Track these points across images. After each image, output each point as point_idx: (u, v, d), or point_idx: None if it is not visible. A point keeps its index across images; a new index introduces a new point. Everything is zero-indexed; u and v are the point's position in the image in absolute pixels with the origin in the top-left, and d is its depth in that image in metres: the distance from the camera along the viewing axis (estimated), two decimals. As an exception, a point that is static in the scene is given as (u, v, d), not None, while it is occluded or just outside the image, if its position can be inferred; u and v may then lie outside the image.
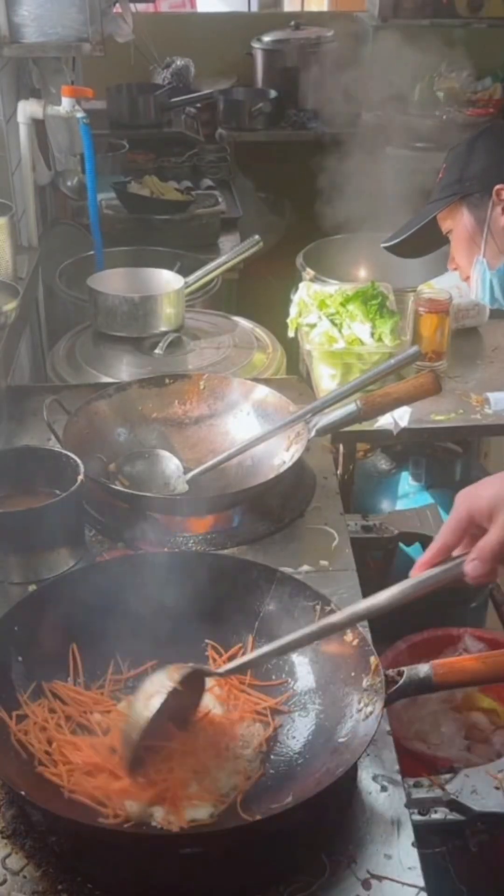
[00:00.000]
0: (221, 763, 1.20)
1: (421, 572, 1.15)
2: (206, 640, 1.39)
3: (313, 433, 1.77)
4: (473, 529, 1.11)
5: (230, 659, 1.35)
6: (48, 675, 1.30)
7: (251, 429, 1.90)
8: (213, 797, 1.16)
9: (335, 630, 1.23)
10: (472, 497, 1.12)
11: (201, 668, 1.25)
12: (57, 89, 2.67)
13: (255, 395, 1.94)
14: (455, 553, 1.14)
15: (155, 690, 1.16)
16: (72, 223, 3.23)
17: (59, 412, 1.83)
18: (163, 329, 2.42)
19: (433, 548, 1.14)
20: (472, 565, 1.09)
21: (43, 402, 1.84)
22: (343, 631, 1.26)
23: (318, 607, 1.35)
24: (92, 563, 1.58)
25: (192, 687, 1.22)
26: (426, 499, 2.50)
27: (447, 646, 2.08)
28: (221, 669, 1.26)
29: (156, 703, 1.14)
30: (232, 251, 2.70)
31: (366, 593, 1.57)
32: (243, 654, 1.35)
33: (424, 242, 2.11)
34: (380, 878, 1.11)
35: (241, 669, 1.27)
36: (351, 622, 1.22)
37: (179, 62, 4.44)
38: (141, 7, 3.95)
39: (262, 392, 1.93)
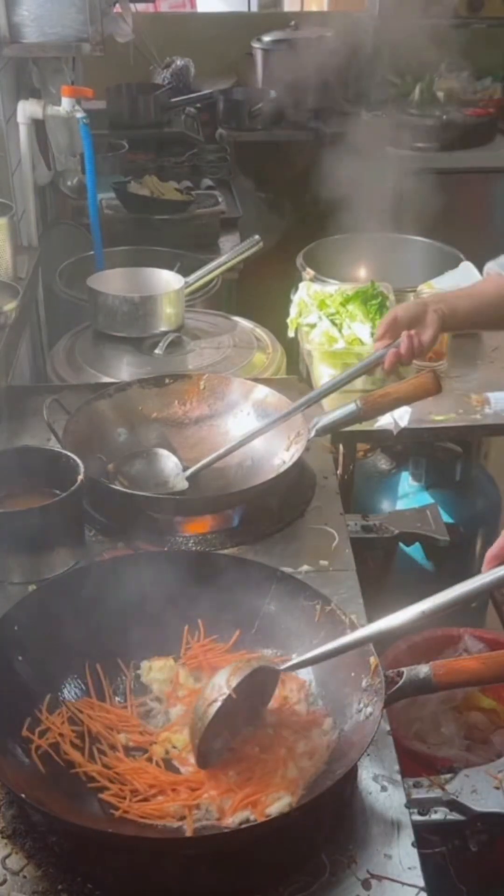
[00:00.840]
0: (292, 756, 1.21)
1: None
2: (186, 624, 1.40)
3: (313, 433, 1.77)
4: None
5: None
6: (53, 678, 1.30)
7: (251, 429, 1.90)
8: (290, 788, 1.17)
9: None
10: None
11: (265, 667, 1.24)
12: (57, 89, 2.67)
13: (255, 395, 1.94)
14: None
15: (213, 697, 1.17)
16: (72, 223, 3.23)
17: (59, 412, 1.83)
18: (163, 329, 2.42)
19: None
20: None
21: (43, 402, 1.84)
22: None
23: (318, 607, 1.35)
24: (92, 563, 1.58)
25: (257, 683, 1.21)
26: (426, 499, 2.50)
27: (447, 646, 2.08)
28: (284, 666, 1.25)
29: (212, 710, 1.15)
30: (232, 251, 2.70)
31: (366, 593, 1.57)
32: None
33: None
34: (380, 878, 1.11)
35: (303, 665, 1.27)
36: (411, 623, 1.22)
37: (179, 62, 4.44)
38: (141, 7, 3.96)
39: (262, 392, 1.93)
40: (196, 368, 2.33)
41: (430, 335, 1.78)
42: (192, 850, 1.10)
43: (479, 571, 1.28)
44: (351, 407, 1.75)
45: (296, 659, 1.26)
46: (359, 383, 2.24)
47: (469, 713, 1.93)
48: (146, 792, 1.17)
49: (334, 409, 1.82)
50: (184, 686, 1.32)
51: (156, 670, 1.34)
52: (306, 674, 1.33)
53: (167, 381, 1.97)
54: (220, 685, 1.17)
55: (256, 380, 2.05)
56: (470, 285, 1.91)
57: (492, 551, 1.33)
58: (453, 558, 2.45)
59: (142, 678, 1.35)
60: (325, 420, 1.78)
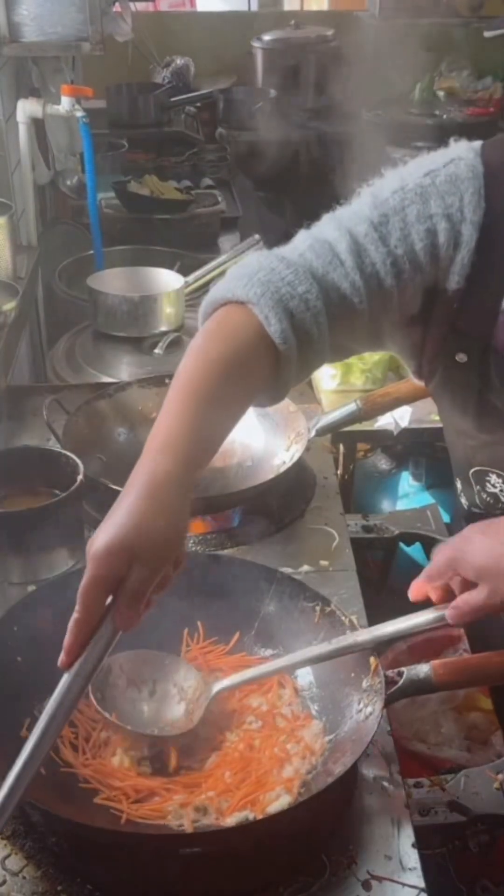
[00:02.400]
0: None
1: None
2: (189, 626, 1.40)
3: (313, 433, 1.77)
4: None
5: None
6: (53, 679, 1.30)
7: (251, 429, 1.89)
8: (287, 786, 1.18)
9: (357, 648, 1.23)
10: (459, 555, 1.12)
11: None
12: (56, 88, 2.67)
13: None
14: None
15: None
16: (71, 223, 3.23)
17: (59, 412, 1.83)
18: (163, 329, 2.41)
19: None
20: (452, 613, 1.14)
21: (43, 402, 1.84)
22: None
23: (317, 608, 1.35)
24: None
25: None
26: (426, 499, 2.50)
27: (447, 646, 2.08)
28: (226, 683, 1.26)
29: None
30: (232, 251, 2.70)
31: (366, 593, 1.57)
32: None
33: None
34: (380, 879, 1.11)
35: (248, 682, 1.28)
36: (373, 642, 1.23)
37: (179, 61, 4.44)
38: (140, 6, 3.96)
39: None
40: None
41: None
42: (192, 850, 1.10)
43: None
44: (351, 407, 1.75)
45: (236, 676, 1.27)
46: (359, 383, 2.25)
47: (469, 713, 1.93)
48: (135, 795, 1.17)
49: (334, 410, 1.82)
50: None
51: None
52: (306, 674, 1.33)
53: (167, 380, 1.96)
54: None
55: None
56: None
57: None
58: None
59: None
60: (325, 420, 1.78)
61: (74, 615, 1.03)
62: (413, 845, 1.15)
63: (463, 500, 1.47)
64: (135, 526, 1.02)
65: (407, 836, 1.16)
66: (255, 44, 4.55)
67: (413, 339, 1.31)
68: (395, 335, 1.31)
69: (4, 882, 1.10)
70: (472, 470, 1.41)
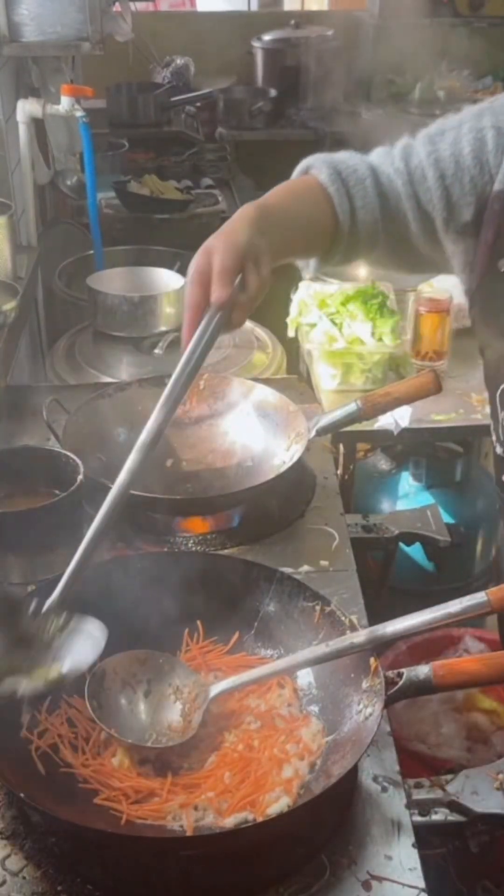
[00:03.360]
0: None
1: None
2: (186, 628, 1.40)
3: (314, 433, 1.77)
4: None
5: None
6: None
7: (251, 429, 1.89)
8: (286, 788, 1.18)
9: (355, 650, 1.23)
10: None
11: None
12: (56, 88, 2.67)
13: (255, 395, 1.93)
14: None
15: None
16: (71, 223, 3.23)
17: (59, 412, 1.83)
18: (163, 329, 2.41)
19: None
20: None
21: (43, 402, 1.83)
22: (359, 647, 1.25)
23: (317, 608, 1.35)
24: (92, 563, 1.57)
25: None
26: (426, 499, 2.50)
27: (447, 646, 2.08)
28: (224, 685, 1.26)
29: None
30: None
31: (366, 593, 1.57)
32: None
33: None
34: (380, 879, 1.11)
35: (246, 684, 1.28)
36: (371, 643, 1.23)
37: (179, 61, 4.44)
38: (141, 6, 3.95)
39: (262, 392, 1.93)
40: (196, 368, 2.33)
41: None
42: (192, 851, 1.10)
43: (479, 572, 1.28)
44: (351, 407, 1.75)
45: (232, 680, 1.27)
46: (359, 383, 2.25)
47: (469, 714, 1.93)
48: (134, 796, 1.17)
49: (334, 409, 1.81)
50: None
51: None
52: (305, 675, 1.33)
53: (167, 380, 1.96)
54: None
55: (256, 379, 2.05)
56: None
57: None
58: (453, 558, 2.45)
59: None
60: (326, 420, 1.78)
61: (185, 312, 1.32)
62: (413, 845, 1.15)
63: (498, 448, 1.51)
64: (216, 235, 1.35)
65: (407, 836, 1.16)
66: (255, 44, 4.55)
67: (465, 246, 1.43)
68: (447, 240, 1.44)
69: (4, 882, 1.10)
70: (500, 389, 1.48)
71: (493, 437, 1.53)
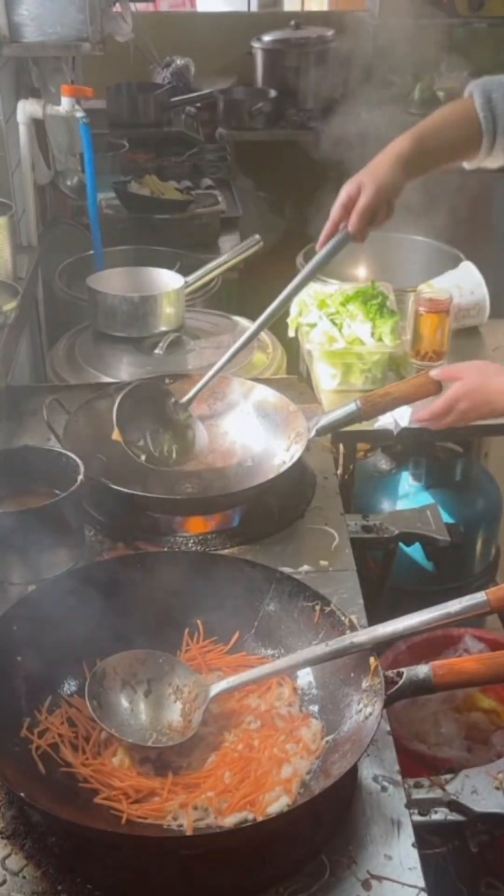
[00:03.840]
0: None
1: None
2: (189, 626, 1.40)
3: (313, 433, 1.77)
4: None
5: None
6: (53, 678, 1.30)
7: (251, 429, 1.89)
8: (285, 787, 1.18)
9: (355, 650, 1.24)
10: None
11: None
12: (56, 89, 2.67)
13: (255, 395, 1.93)
14: None
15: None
16: (72, 223, 3.22)
17: (59, 412, 1.83)
18: (163, 329, 2.41)
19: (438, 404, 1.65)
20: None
21: (43, 402, 1.83)
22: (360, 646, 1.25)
23: (317, 607, 1.35)
24: (92, 563, 1.58)
25: None
26: (426, 499, 2.49)
27: (447, 646, 2.08)
28: (224, 685, 1.26)
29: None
30: (232, 251, 2.70)
31: (366, 593, 1.57)
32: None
33: None
34: (380, 879, 1.11)
35: (246, 683, 1.28)
36: (372, 642, 1.23)
37: (179, 61, 4.44)
38: (141, 6, 3.95)
39: (262, 392, 1.93)
40: (196, 368, 2.33)
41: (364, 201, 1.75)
42: (192, 850, 1.10)
43: (479, 571, 1.29)
44: (351, 407, 1.75)
45: (235, 678, 1.27)
46: (359, 383, 2.25)
47: (469, 713, 1.93)
48: (135, 795, 1.17)
49: (334, 409, 1.82)
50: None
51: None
52: (305, 674, 1.33)
53: (167, 380, 1.97)
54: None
55: (257, 379, 2.05)
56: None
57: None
58: (453, 558, 2.45)
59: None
60: (326, 420, 1.78)
61: (328, 224, 1.77)
62: (413, 845, 1.15)
63: None
64: (366, 173, 1.74)
65: (407, 836, 1.16)
66: (255, 44, 4.55)
67: None
68: None
69: (4, 882, 1.10)
70: None
71: None
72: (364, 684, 1.22)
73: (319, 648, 1.25)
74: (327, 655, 1.24)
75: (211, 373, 1.87)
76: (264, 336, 2.53)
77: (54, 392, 2.02)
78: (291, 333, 2.38)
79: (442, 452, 2.63)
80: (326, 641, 1.26)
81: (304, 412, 1.85)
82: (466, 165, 1.86)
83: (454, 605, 1.19)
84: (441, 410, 1.67)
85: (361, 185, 1.71)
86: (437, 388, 1.75)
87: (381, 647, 1.26)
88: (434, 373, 1.71)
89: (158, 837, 1.12)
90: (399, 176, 1.73)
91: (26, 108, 2.57)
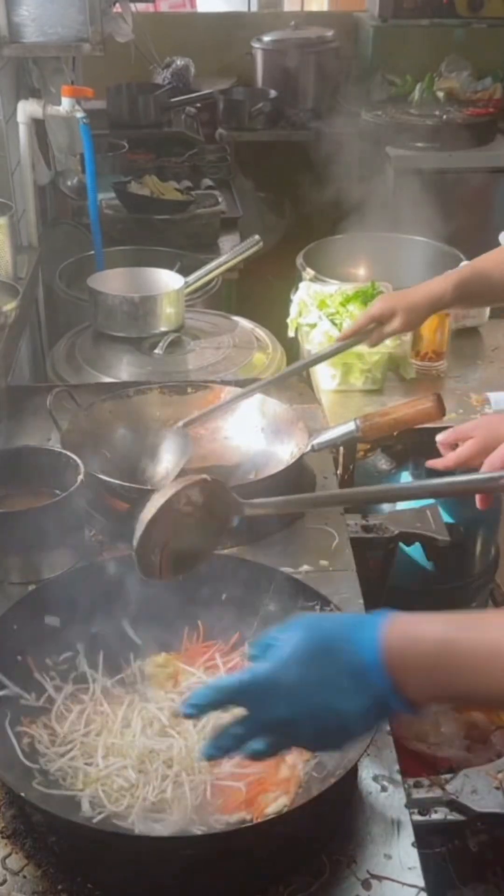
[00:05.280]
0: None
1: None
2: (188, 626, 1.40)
3: (309, 448, 1.77)
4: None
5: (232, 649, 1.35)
6: (52, 678, 1.30)
7: (259, 446, 1.89)
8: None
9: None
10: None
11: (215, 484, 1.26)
12: (57, 89, 2.67)
13: (270, 412, 1.91)
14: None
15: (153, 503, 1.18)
16: (72, 223, 3.23)
17: (62, 410, 1.83)
18: (163, 329, 2.42)
19: (451, 457, 1.52)
20: None
21: (43, 402, 1.84)
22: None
23: (317, 607, 1.35)
24: (92, 563, 1.58)
25: (210, 502, 1.24)
26: (426, 499, 2.49)
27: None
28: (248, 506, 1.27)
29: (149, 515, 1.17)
30: (232, 251, 2.70)
31: (366, 593, 1.57)
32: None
33: None
34: (380, 879, 1.11)
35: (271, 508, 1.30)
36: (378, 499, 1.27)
37: (179, 62, 4.44)
38: (141, 7, 3.95)
39: (278, 408, 1.90)
40: (196, 368, 2.33)
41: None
42: (192, 851, 1.10)
43: (479, 571, 1.29)
44: (350, 426, 1.75)
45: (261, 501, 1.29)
46: (359, 384, 2.25)
47: (469, 713, 1.93)
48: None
49: (333, 427, 1.82)
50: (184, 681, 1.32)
51: (156, 666, 1.34)
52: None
53: (189, 390, 1.96)
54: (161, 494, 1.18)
55: (257, 380, 2.05)
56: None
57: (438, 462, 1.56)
58: (453, 558, 2.45)
59: (143, 673, 1.34)
60: (323, 437, 1.78)
61: (357, 322, 1.93)
62: (413, 845, 1.15)
63: None
64: (405, 301, 1.86)
65: (407, 836, 1.16)
66: (255, 44, 4.55)
67: None
68: None
69: (5, 881, 1.10)
70: None
71: None
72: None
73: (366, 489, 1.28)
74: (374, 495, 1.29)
75: (210, 407, 1.91)
76: (264, 336, 2.53)
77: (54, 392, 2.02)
78: (291, 333, 2.38)
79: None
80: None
81: (305, 412, 1.85)
82: None
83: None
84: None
85: (395, 314, 1.86)
86: (440, 412, 1.74)
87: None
88: (441, 437, 1.61)
89: (158, 839, 1.12)
90: (428, 315, 1.90)
91: (26, 109, 2.58)
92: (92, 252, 2.84)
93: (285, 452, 1.82)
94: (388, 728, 1.31)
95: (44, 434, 1.89)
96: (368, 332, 1.91)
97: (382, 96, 4.55)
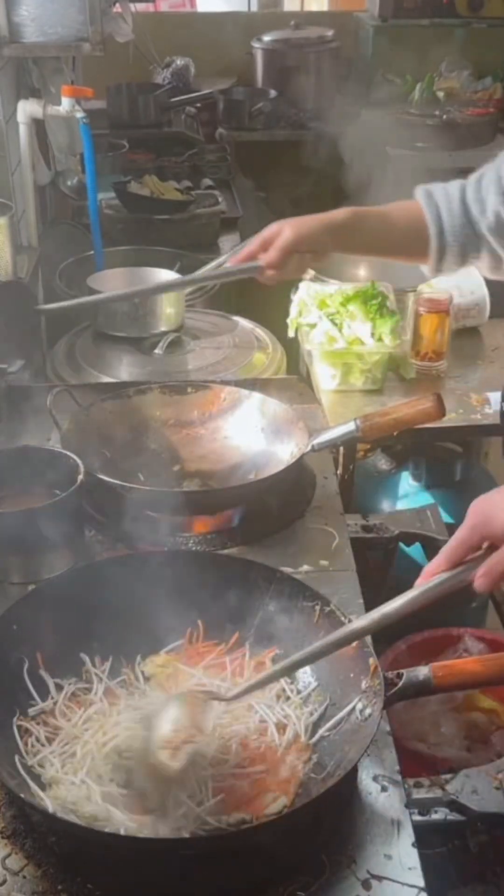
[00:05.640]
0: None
1: (427, 580, 1.14)
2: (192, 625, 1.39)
3: (309, 448, 1.77)
4: (484, 542, 1.13)
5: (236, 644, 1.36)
6: (52, 678, 1.31)
7: (259, 446, 1.88)
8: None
9: (345, 643, 1.21)
10: (487, 512, 1.14)
11: (209, 698, 1.23)
12: (57, 89, 2.67)
13: (271, 412, 1.90)
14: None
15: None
16: (72, 223, 3.23)
17: (64, 409, 1.83)
18: (163, 329, 2.42)
19: (440, 559, 1.15)
20: (480, 581, 1.11)
21: (43, 402, 1.84)
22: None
23: (317, 607, 1.35)
24: (92, 563, 1.58)
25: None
26: (426, 499, 2.49)
27: (447, 646, 2.08)
28: (231, 694, 1.23)
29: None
30: (232, 251, 2.70)
31: (366, 593, 1.57)
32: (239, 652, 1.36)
33: None
34: (380, 879, 1.11)
35: (252, 690, 1.24)
36: (359, 635, 1.20)
37: (179, 62, 4.44)
38: (141, 6, 3.95)
39: (278, 408, 1.90)
40: (196, 368, 2.33)
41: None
42: (192, 851, 1.10)
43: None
44: (350, 426, 1.75)
45: (242, 686, 1.23)
46: (359, 384, 2.25)
47: (469, 713, 1.93)
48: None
49: (333, 427, 1.82)
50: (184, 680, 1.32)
51: (156, 665, 1.35)
52: (303, 674, 1.33)
53: (189, 390, 1.96)
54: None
55: (257, 380, 2.05)
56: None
57: (429, 567, 1.17)
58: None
59: (143, 674, 1.34)
60: (324, 437, 1.78)
61: (241, 253, 1.82)
62: (413, 845, 1.15)
63: None
64: (298, 218, 1.77)
65: (407, 836, 1.16)
66: (255, 44, 4.55)
67: None
68: None
69: (5, 881, 1.10)
70: None
71: None
72: (363, 685, 1.22)
73: (319, 643, 1.22)
74: (329, 647, 1.21)
75: None
76: (264, 336, 2.53)
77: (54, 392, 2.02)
78: (291, 333, 2.38)
79: (442, 452, 2.63)
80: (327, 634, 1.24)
81: (305, 412, 1.85)
82: (427, 273, 1.85)
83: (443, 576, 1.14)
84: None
85: (282, 228, 1.75)
86: (440, 412, 1.74)
87: (381, 646, 1.25)
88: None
89: (158, 839, 1.12)
90: (323, 236, 1.76)
91: (26, 109, 2.57)
92: (92, 252, 2.83)
93: (285, 452, 1.81)
94: (388, 728, 1.31)
95: (44, 434, 1.89)
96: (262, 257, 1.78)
97: (382, 96, 4.54)
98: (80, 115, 2.56)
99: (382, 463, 2.66)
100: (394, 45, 4.57)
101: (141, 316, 2.39)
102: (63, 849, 1.12)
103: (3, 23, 2.39)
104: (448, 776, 1.25)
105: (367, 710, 1.19)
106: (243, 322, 2.59)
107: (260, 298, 2.92)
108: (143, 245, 3.01)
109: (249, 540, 1.69)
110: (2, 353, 1.94)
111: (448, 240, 1.75)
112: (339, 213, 1.78)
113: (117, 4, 2.86)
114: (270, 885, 1.10)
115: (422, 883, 1.11)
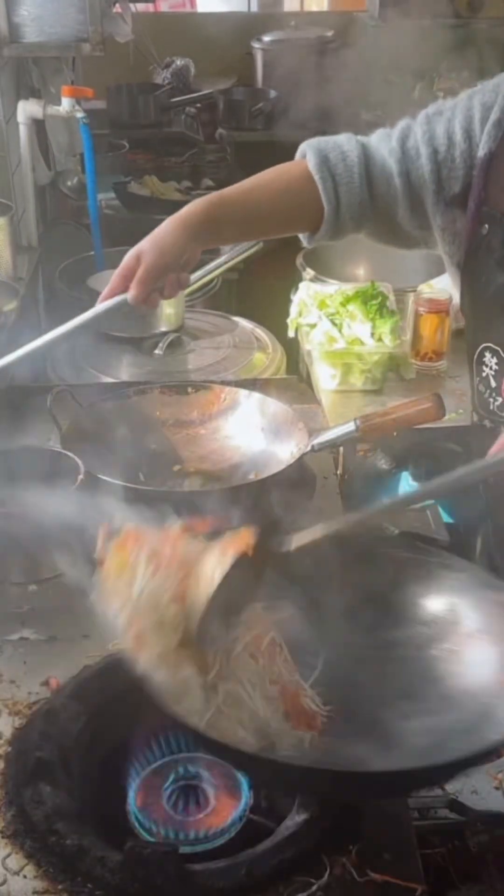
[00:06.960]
0: None
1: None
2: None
3: (309, 448, 1.77)
4: None
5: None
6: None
7: (259, 446, 1.88)
8: None
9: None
10: None
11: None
12: (57, 89, 2.67)
13: (271, 412, 1.90)
14: None
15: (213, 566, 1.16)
16: (72, 223, 3.23)
17: (62, 408, 1.83)
18: (163, 329, 2.42)
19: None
20: None
21: (43, 402, 1.84)
22: None
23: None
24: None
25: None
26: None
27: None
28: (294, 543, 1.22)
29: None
30: (232, 251, 2.70)
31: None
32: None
33: None
34: (380, 879, 1.11)
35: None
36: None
37: (179, 62, 4.44)
38: (141, 7, 3.96)
39: (278, 409, 1.89)
40: (196, 368, 2.33)
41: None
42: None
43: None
44: (350, 427, 1.76)
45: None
46: (359, 384, 2.25)
47: (469, 713, 1.92)
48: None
49: (333, 427, 1.82)
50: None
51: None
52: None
53: (189, 390, 1.96)
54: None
55: (257, 380, 2.05)
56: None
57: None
58: (453, 558, 2.45)
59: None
60: (323, 438, 1.78)
61: (104, 292, 1.61)
62: (413, 845, 1.15)
63: (486, 422, 1.58)
64: (148, 240, 1.56)
65: (407, 836, 1.16)
66: (255, 44, 4.55)
67: (453, 216, 1.51)
68: (436, 213, 1.52)
69: (5, 881, 1.10)
70: (477, 350, 1.52)
71: (472, 408, 1.57)
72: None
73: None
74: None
75: None
76: (264, 336, 2.53)
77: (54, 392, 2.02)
78: (291, 333, 2.39)
79: (442, 452, 2.63)
80: None
81: (305, 412, 1.85)
82: (305, 243, 1.69)
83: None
84: None
85: (140, 255, 1.54)
86: (440, 412, 1.75)
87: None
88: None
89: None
90: (187, 244, 1.56)
91: (27, 109, 2.58)
92: (92, 252, 2.84)
93: (285, 452, 1.81)
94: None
95: (44, 434, 1.89)
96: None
97: (382, 97, 4.54)
98: (80, 115, 2.56)
99: (382, 463, 2.66)
100: (393, 45, 4.57)
101: (141, 316, 2.39)
102: (63, 848, 1.12)
103: (3, 23, 2.39)
104: (448, 776, 1.25)
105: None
106: (243, 322, 2.59)
107: (260, 298, 2.93)
108: (144, 245, 3.01)
109: (249, 540, 1.69)
110: None
111: (344, 217, 1.58)
112: (194, 211, 1.58)
113: (117, 4, 2.86)
114: (270, 885, 1.10)
115: (422, 883, 1.11)
